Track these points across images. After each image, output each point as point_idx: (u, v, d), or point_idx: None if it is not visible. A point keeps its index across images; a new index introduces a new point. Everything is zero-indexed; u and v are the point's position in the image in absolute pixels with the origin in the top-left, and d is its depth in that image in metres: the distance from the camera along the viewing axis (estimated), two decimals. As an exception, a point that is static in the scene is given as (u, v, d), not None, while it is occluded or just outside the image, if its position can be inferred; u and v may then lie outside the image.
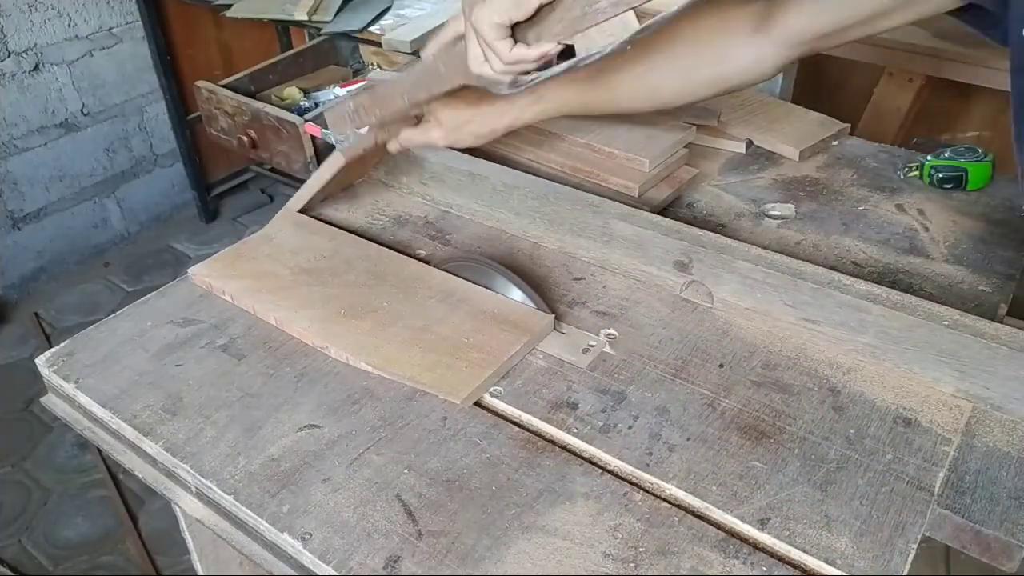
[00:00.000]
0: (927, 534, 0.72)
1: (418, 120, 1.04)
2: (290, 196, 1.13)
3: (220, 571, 1.08)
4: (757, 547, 0.70)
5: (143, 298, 1.00)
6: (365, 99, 0.99)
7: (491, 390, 0.85)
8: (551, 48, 0.76)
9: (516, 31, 0.76)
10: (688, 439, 0.79)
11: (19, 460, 2.20)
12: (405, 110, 0.98)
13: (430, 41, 0.92)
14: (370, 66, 2.48)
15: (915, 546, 0.69)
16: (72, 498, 2.10)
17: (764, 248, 0.94)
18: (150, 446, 0.81)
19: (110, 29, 2.77)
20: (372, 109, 0.99)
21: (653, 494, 0.75)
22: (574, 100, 0.99)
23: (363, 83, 1.04)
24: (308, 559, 0.70)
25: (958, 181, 1.15)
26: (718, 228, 1.09)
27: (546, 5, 0.73)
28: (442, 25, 0.92)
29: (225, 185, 3.16)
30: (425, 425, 0.82)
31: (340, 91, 2.25)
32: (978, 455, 0.77)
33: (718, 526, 0.72)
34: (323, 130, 1.26)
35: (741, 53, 0.91)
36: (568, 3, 0.72)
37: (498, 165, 1.13)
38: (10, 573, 1.90)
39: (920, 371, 0.84)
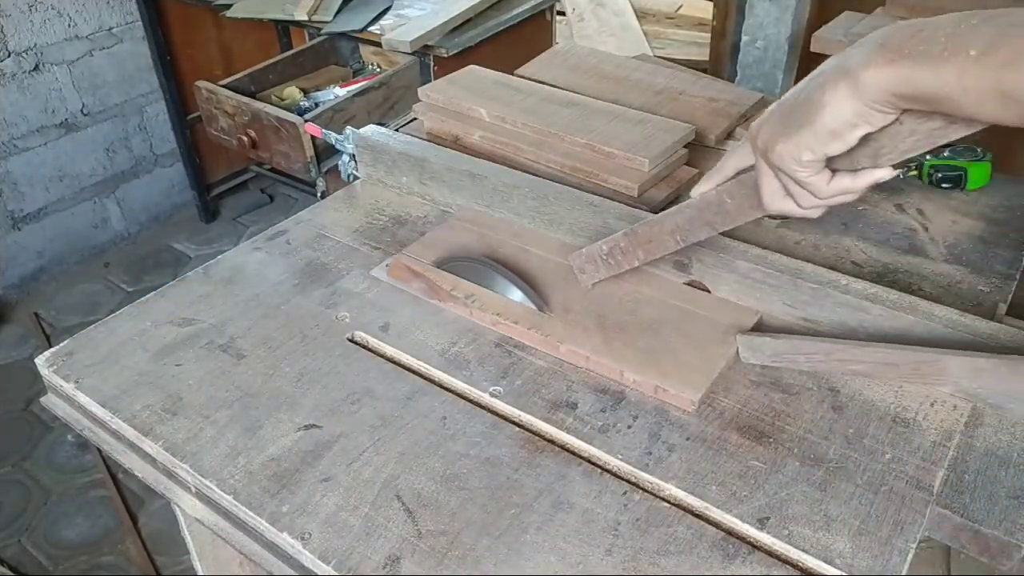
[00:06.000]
0: (926, 534, 0.72)
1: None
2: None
3: (220, 571, 1.08)
4: (756, 547, 0.70)
5: (143, 298, 1.00)
6: (623, 241, 0.92)
7: (491, 390, 0.85)
8: (884, 175, 0.69)
9: (829, 160, 0.68)
10: (688, 439, 0.79)
11: (19, 460, 2.20)
12: (674, 251, 0.90)
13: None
14: (370, 66, 2.48)
15: (914, 546, 0.69)
16: (72, 498, 2.10)
17: (764, 248, 0.95)
18: (150, 446, 0.82)
19: (110, 29, 2.77)
20: (633, 251, 0.92)
21: (653, 494, 0.75)
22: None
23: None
24: (308, 559, 0.70)
25: (957, 181, 1.15)
26: (718, 228, 1.09)
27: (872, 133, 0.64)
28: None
29: (225, 185, 3.16)
30: (425, 425, 0.82)
31: (340, 91, 2.25)
32: (977, 455, 0.77)
33: (718, 526, 0.72)
34: (323, 130, 1.26)
35: None
36: (898, 129, 0.65)
37: (498, 165, 1.13)
38: (10, 573, 1.90)
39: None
